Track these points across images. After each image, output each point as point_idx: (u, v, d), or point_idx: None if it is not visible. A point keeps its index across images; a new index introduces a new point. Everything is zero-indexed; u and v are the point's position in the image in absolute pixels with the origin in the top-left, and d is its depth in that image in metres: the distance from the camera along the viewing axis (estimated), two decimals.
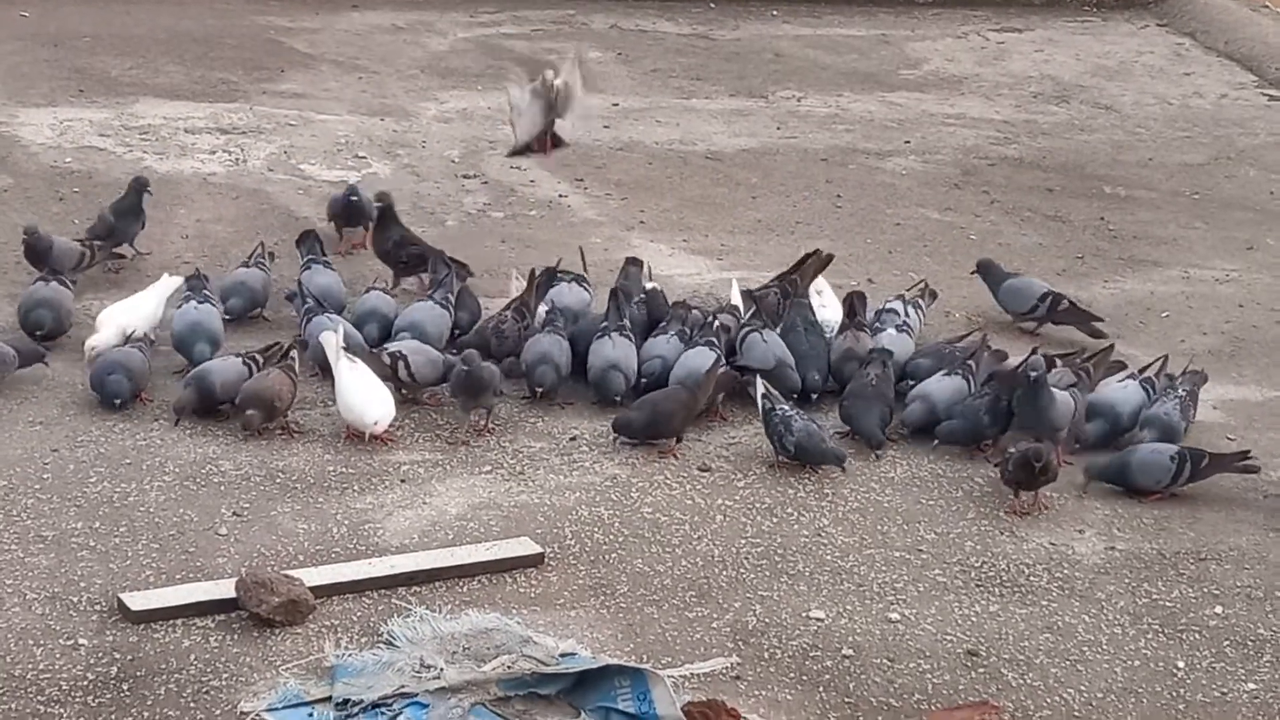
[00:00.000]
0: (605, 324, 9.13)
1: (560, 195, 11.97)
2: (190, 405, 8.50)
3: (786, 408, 8.51)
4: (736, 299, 9.76)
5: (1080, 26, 17.30)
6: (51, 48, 14.14)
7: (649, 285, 9.83)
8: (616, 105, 13.93)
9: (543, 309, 9.33)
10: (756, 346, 9.11)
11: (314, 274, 9.67)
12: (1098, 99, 15.09)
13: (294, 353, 8.80)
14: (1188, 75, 15.94)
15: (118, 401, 8.46)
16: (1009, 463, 8.20)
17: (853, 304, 9.65)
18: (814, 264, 9.98)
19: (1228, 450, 8.72)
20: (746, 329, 9.25)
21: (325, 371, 8.76)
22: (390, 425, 8.47)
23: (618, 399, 8.84)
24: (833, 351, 9.29)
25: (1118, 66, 16.07)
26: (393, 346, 8.90)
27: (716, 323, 9.28)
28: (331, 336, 8.65)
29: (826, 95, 14.65)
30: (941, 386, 8.91)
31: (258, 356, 8.76)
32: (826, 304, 9.82)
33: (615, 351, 8.95)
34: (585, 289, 9.75)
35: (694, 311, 9.49)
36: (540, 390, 8.88)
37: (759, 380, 8.67)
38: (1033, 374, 8.63)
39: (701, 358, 8.96)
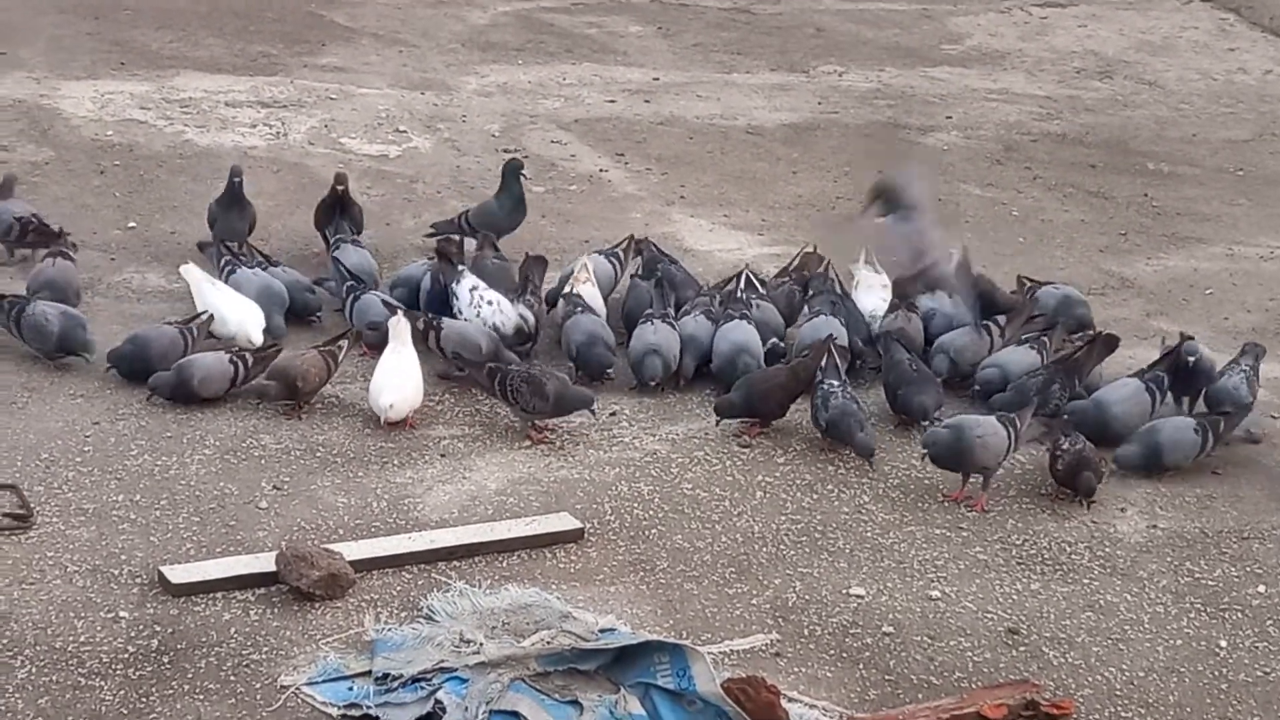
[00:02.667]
0: (650, 310, 9.11)
1: (601, 170, 11.95)
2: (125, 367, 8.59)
3: (834, 383, 8.47)
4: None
5: (1124, 2, 17.21)
6: (93, 21, 14.16)
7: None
8: (657, 80, 13.90)
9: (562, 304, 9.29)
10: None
11: (345, 252, 9.55)
12: (1141, 75, 15.01)
13: (343, 341, 8.74)
14: (1232, 51, 15.84)
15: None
16: (1062, 459, 8.12)
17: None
18: (807, 260, 9.89)
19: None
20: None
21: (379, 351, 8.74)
22: (410, 413, 8.41)
23: (653, 383, 8.81)
24: (881, 328, 9.26)
25: (1162, 42, 15.98)
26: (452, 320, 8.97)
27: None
28: (404, 324, 8.63)
29: (868, 70, 14.60)
30: (1015, 359, 8.92)
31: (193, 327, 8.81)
32: (866, 287, 9.74)
33: (655, 337, 8.91)
34: (614, 264, 9.71)
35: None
36: (654, 382, 8.86)
37: (827, 348, 8.65)
38: (1190, 358, 8.83)
39: (815, 331, 9.00)
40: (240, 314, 8.92)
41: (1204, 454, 8.45)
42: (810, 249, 9.99)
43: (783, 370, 8.73)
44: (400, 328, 8.59)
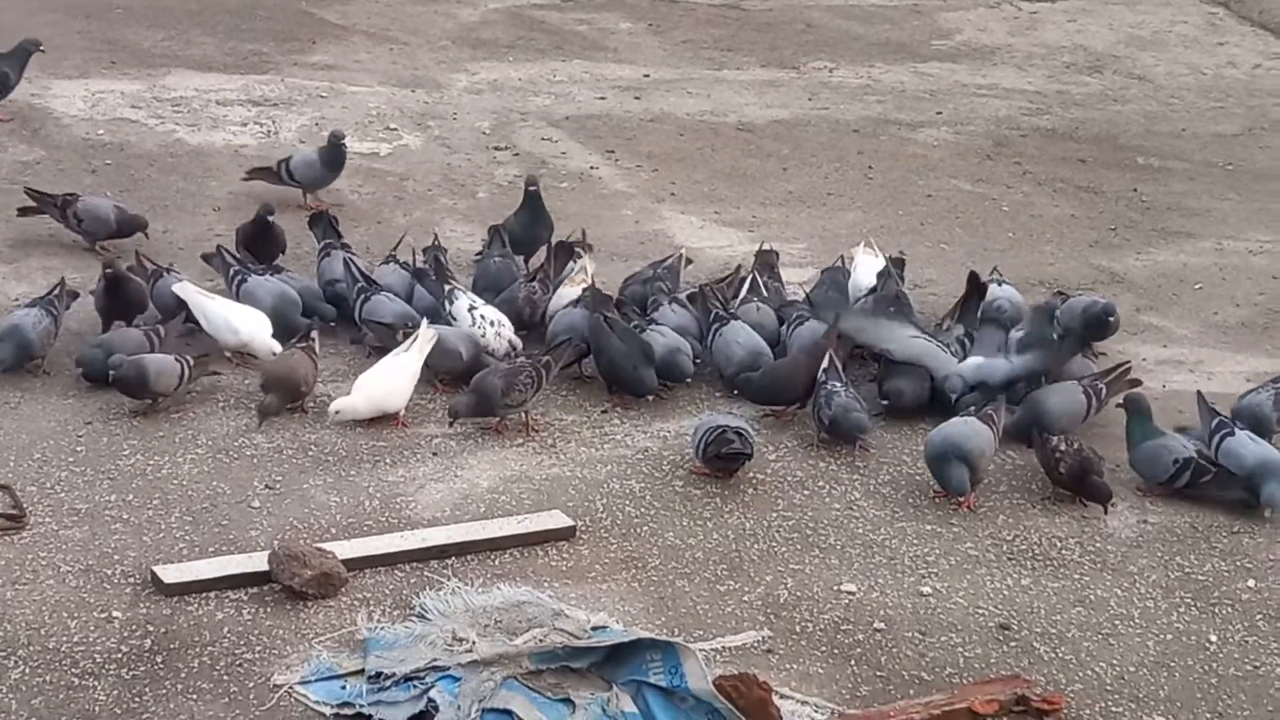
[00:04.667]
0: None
1: (591, 167, 11.96)
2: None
3: (836, 383, 8.45)
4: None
5: None
6: (84, 19, 14.17)
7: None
8: (647, 76, 13.92)
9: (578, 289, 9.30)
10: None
11: (334, 259, 9.48)
12: (1130, 69, 15.04)
13: (314, 334, 8.76)
14: (1221, 45, 15.87)
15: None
16: (1063, 462, 8.10)
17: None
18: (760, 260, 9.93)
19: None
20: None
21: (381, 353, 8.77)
22: (373, 414, 8.41)
23: (686, 380, 8.87)
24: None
25: (1151, 36, 16.01)
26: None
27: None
28: (431, 334, 8.65)
29: (858, 66, 14.62)
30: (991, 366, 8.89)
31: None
32: (864, 270, 9.80)
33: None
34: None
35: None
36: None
37: (827, 355, 8.62)
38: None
39: (813, 333, 9.03)
40: (249, 323, 8.86)
41: (1175, 484, 8.29)
42: (767, 247, 10.03)
43: (801, 355, 8.75)
44: (425, 338, 8.60)
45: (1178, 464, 8.23)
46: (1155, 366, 9.54)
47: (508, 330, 8.97)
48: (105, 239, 9.99)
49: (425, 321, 8.76)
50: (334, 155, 10.69)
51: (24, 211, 10.07)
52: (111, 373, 8.32)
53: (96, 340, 8.73)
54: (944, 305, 9.74)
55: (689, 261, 10.00)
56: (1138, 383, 8.87)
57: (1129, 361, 9.11)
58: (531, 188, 10.04)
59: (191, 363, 8.50)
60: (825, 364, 8.55)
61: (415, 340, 8.59)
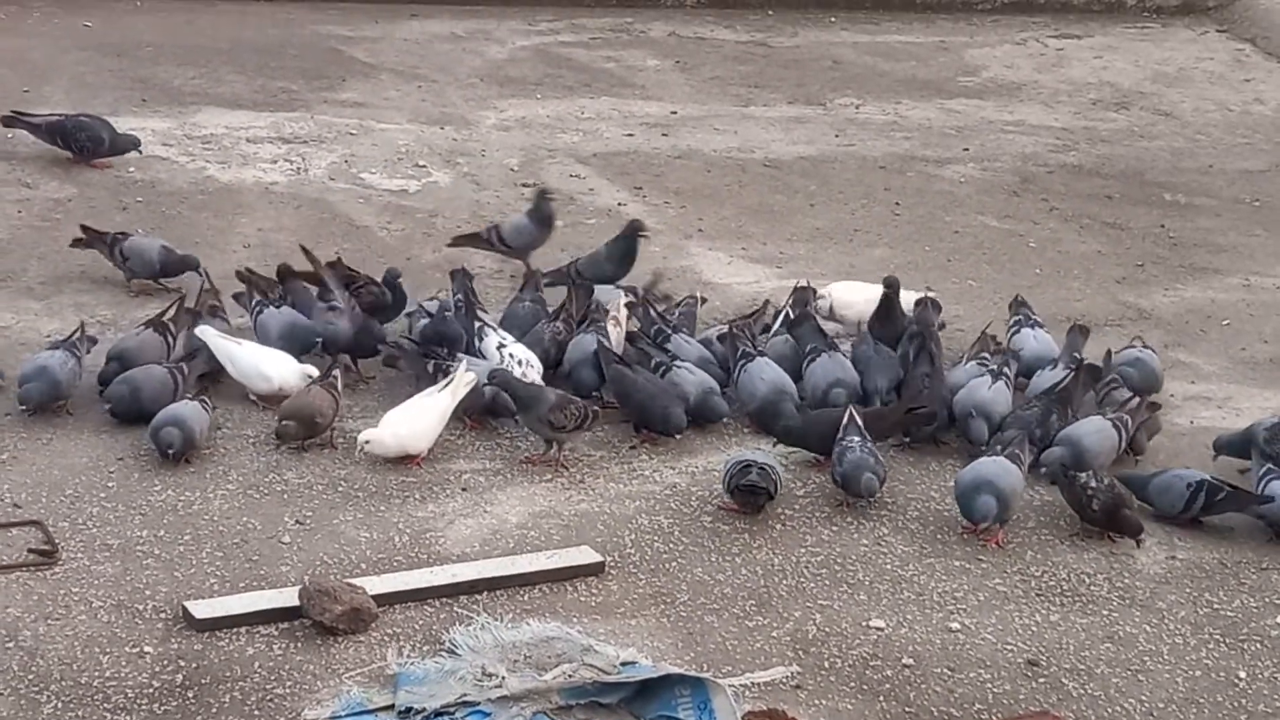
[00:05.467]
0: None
1: (619, 203, 12.00)
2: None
3: (855, 439, 8.35)
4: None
5: (1140, 33, 17.26)
6: (115, 57, 14.25)
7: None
8: (675, 113, 13.96)
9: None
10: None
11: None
12: (1157, 106, 15.05)
13: (336, 371, 8.80)
14: (1248, 81, 15.88)
15: (170, 452, 8.29)
16: (1096, 499, 8.08)
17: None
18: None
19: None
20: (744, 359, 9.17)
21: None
22: (400, 452, 8.42)
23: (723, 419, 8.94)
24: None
25: (1177, 73, 16.02)
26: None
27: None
28: (469, 378, 8.65)
29: (885, 103, 14.65)
30: (994, 395, 8.87)
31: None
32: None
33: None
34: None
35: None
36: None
37: (849, 409, 8.56)
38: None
39: (825, 371, 9.07)
40: (281, 368, 8.85)
41: (1190, 512, 8.31)
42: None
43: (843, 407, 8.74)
44: (461, 380, 8.62)
45: (1191, 488, 8.25)
46: (1183, 403, 9.54)
47: (535, 370, 8.98)
48: (149, 278, 10.02)
49: (464, 363, 8.79)
50: (542, 213, 10.54)
51: (77, 243, 10.16)
52: (169, 450, 8.23)
53: (123, 376, 8.70)
54: (969, 341, 9.74)
55: (703, 301, 10.03)
56: (1157, 406, 8.91)
57: (1148, 395, 9.12)
58: (643, 234, 10.07)
59: (211, 406, 8.56)
60: (845, 419, 8.49)
61: (451, 381, 8.61)
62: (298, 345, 9.10)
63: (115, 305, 9.85)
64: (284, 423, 8.40)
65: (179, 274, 10.01)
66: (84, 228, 10.19)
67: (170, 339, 9.05)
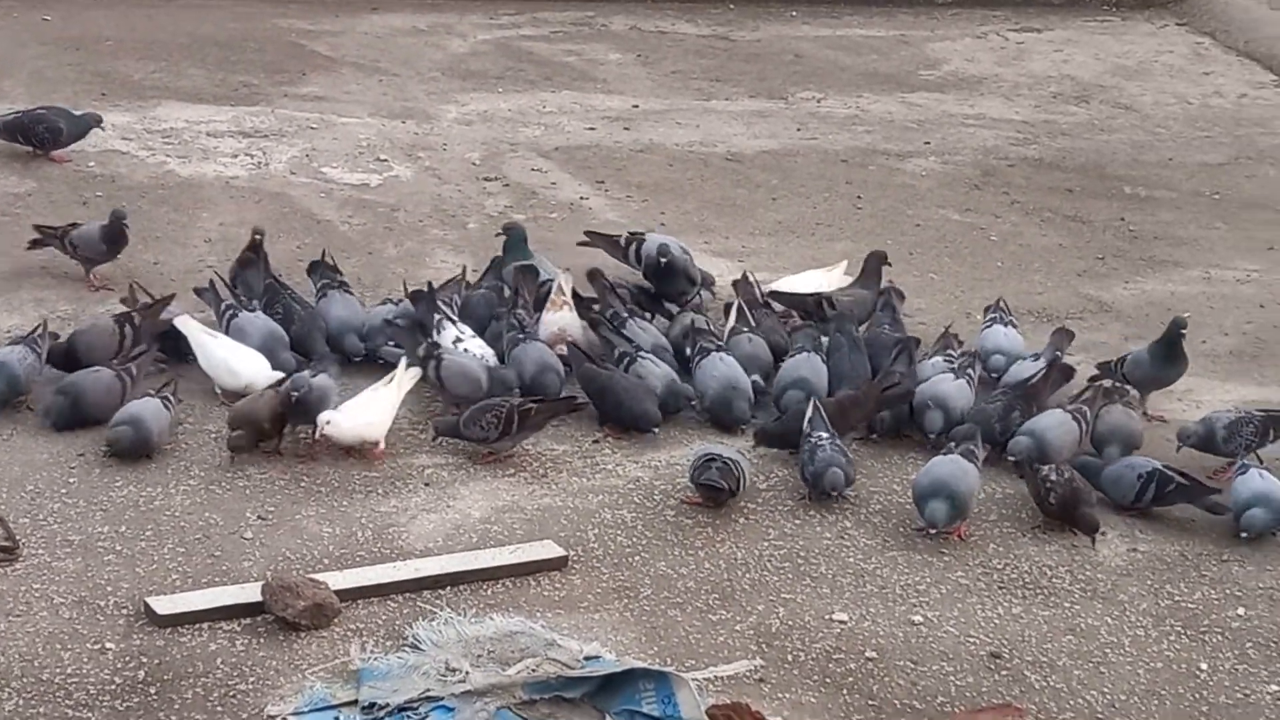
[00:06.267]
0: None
1: (581, 197, 12.00)
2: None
3: (824, 435, 8.37)
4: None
5: (1100, 26, 17.31)
6: (74, 51, 14.19)
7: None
8: (637, 107, 13.95)
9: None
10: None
11: (332, 300, 9.49)
12: (1117, 99, 15.10)
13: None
14: (1207, 75, 15.93)
15: (118, 450, 8.25)
16: (1054, 492, 8.12)
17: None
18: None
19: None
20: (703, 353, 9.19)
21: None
22: (358, 442, 8.40)
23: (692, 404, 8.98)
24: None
25: (1137, 66, 16.07)
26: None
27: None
28: (412, 372, 8.69)
29: (846, 96, 14.67)
30: (955, 390, 8.89)
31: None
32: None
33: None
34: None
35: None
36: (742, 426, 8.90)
37: (811, 402, 8.59)
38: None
39: (795, 369, 9.07)
40: (250, 366, 8.80)
41: (1141, 502, 8.36)
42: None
43: (831, 403, 8.72)
44: (404, 375, 8.63)
45: (1142, 479, 8.29)
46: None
47: (489, 362, 9.00)
48: (99, 258, 9.96)
49: (404, 361, 8.76)
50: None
51: (34, 245, 10.09)
52: (109, 445, 8.22)
53: (62, 384, 8.59)
54: (933, 334, 9.76)
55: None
56: (1112, 392, 8.95)
57: (1101, 377, 9.15)
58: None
59: (175, 402, 8.49)
60: (810, 413, 8.50)
61: (395, 376, 8.60)
62: (272, 355, 8.99)
63: (76, 300, 9.81)
64: (233, 434, 8.28)
65: (121, 242, 9.92)
66: (37, 227, 10.14)
67: (129, 331, 8.98)
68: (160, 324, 9.12)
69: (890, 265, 10.19)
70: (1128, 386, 9.17)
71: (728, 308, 9.72)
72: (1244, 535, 8.15)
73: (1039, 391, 8.91)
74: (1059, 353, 9.35)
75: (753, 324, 9.48)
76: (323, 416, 8.32)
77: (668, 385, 8.89)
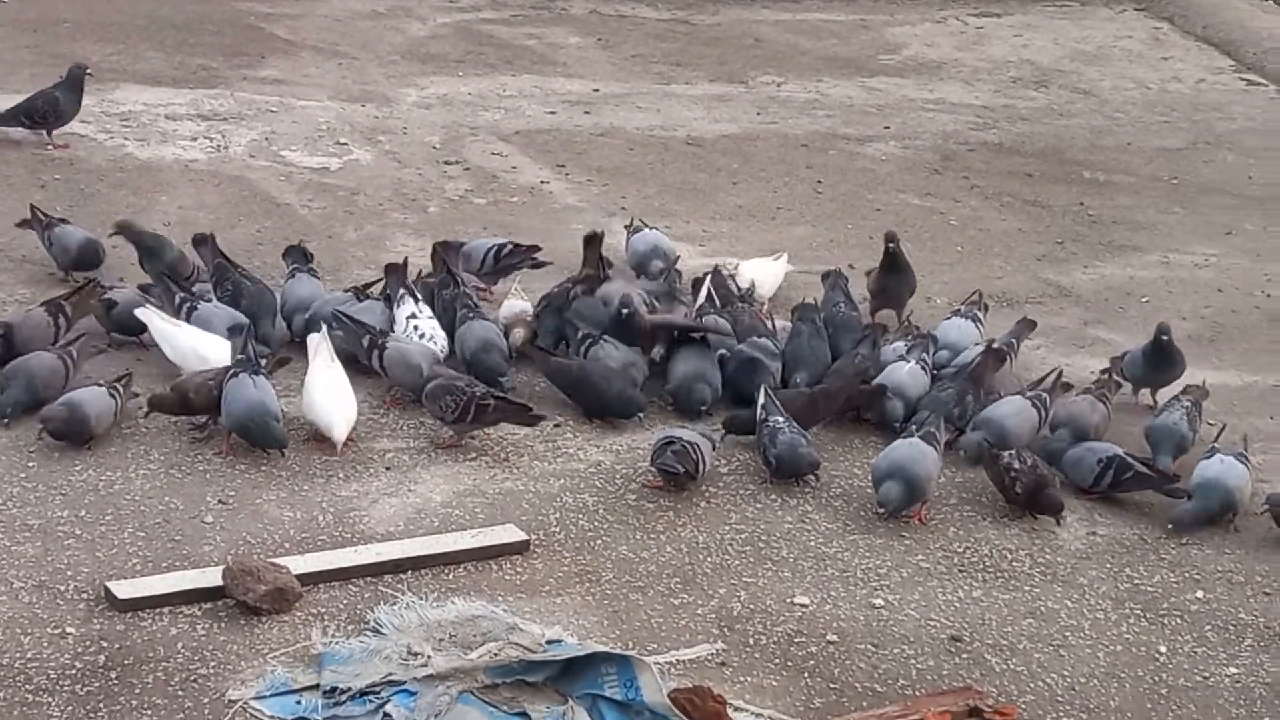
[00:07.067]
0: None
1: (542, 181, 11.99)
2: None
3: (779, 419, 8.39)
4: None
5: (1059, 11, 17.36)
6: (31, 34, 14.12)
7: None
8: (597, 91, 13.94)
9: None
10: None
11: (299, 282, 9.48)
12: (1076, 84, 15.14)
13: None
14: (1166, 60, 15.99)
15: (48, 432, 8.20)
16: (1019, 480, 8.12)
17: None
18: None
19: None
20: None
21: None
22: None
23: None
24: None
25: (1096, 51, 16.12)
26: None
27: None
28: (325, 342, 8.60)
29: (806, 80, 14.68)
30: (909, 378, 8.91)
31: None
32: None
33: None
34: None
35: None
36: (702, 409, 8.85)
37: (762, 389, 8.60)
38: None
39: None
40: (219, 350, 8.69)
41: (1099, 486, 8.39)
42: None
43: (802, 396, 8.74)
44: (319, 345, 8.57)
45: (1101, 464, 8.32)
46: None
47: (439, 346, 8.98)
48: (67, 267, 9.87)
49: (317, 335, 8.68)
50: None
51: (23, 224, 10.04)
52: (42, 425, 8.16)
53: (6, 371, 8.51)
54: (891, 318, 9.79)
55: (609, 265, 9.95)
56: (1070, 386, 8.98)
57: (1060, 369, 9.17)
58: (893, 245, 9.85)
59: (121, 391, 8.39)
60: (762, 399, 8.50)
61: (320, 352, 8.55)
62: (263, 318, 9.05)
63: (34, 284, 9.76)
64: (156, 393, 8.28)
65: (90, 265, 9.85)
66: (33, 207, 10.05)
67: (63, 321, 8.93)
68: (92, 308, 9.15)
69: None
70: (1123, 381, 9.20)
71: (695, 283, 9.73)
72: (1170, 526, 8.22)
73: (981, 376, 8.92)
74: (1015, 340, 9.37)
75: (718, 305, 9.48)
76: (338, 433, 8.23)
77: (626, 369, 8.88)
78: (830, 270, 10.02)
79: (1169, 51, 16.24)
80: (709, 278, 9.71)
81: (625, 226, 10.58)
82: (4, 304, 9.49)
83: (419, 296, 9.22)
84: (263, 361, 8.52)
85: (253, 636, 6.92)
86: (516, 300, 9.44)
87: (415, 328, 9.00)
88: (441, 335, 9.05)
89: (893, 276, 9.87)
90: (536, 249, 10.04)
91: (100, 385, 8.36)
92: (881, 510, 8.03)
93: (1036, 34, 16.51)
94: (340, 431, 8.25)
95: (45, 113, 11.62)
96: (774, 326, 9.58)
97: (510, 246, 9.98)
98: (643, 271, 10.09)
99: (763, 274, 10.03)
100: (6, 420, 8.32)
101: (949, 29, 16.52)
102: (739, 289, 9.77)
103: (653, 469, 8.15)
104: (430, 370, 8.63)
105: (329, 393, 8.38)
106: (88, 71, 11.82)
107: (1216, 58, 16.11)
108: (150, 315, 8.93)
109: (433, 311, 9.19)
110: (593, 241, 9.78)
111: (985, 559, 7.85)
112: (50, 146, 11.66)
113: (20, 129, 11.71)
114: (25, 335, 8.78)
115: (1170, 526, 8.19)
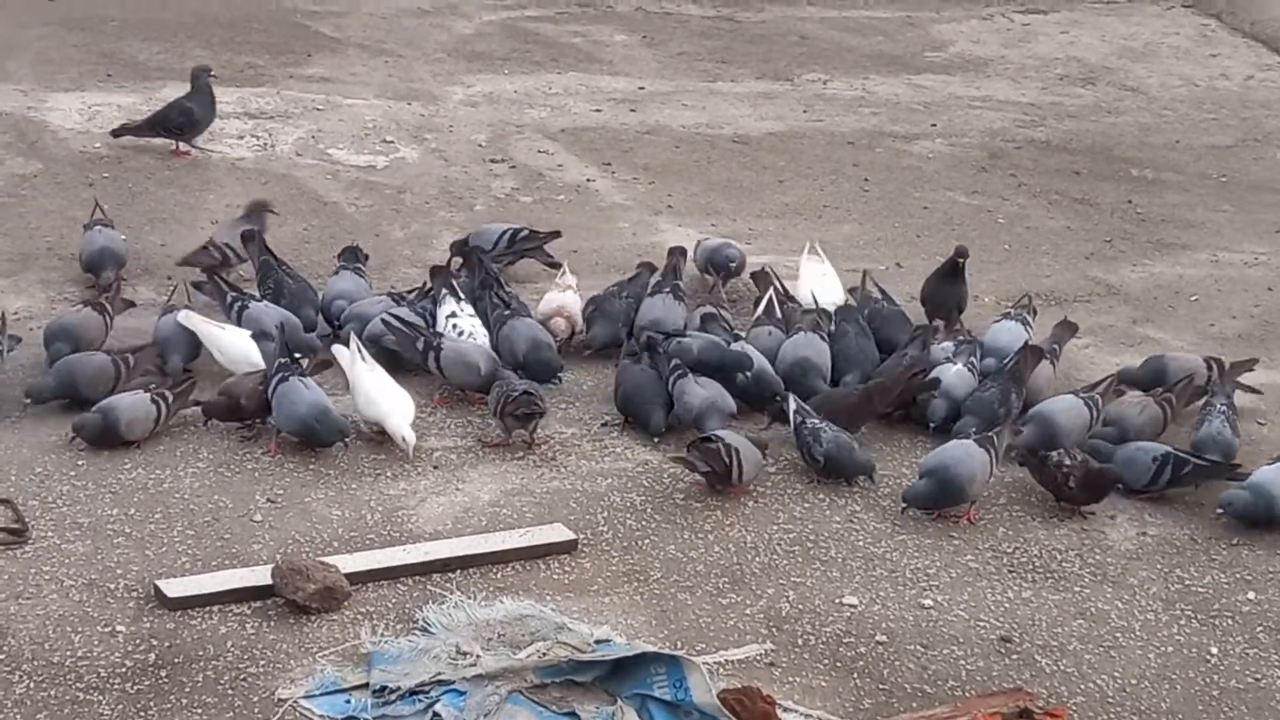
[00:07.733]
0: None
1: (588, 179, 11.98)
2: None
3: (817, 420, 8.37)
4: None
5: (1106, 8, 17.29)
6: (79, 32, 14.18)
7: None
8: (642, 89, 13.94)
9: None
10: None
11: (342, 277, 9.53)
12: (1124, 81, 15.08)
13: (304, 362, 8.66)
14: (1214, 56, 15.91)
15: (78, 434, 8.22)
16: (1072, 475, 8.10)
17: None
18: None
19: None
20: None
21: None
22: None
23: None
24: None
25: (1144, 48, 16.05)
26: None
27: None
28: (346, 350, 8.61)
29: (853, 78, 14.65)
30: (956, 378, 8.87)
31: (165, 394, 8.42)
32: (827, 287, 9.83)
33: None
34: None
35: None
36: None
37: (790, 395, 8.57)
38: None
39: (795, 349, 9.04)
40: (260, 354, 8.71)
41: (1157, 485, 8.34)
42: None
43: (856, 392, 8.72)
44: (353, 351, 8.54)
45: (1156, 461, 8.28)
46: None
47: (480, 342, 8.98)
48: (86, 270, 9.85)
49: (344, 349, 8.68)
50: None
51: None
52: (73, 429, 8.15)
53: (56, 367, 8.56)
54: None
55: (654, 270, 9.89)
56: (1123, 391, 8.94)
57: (1115, 374, 9.12)
58: (962, 260, 9.77)
59: (170, 398, 8.33)
60: (794, 406, 8.45)
61: (356, 354, 8.54)
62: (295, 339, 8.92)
63: (82, 282, 9.79)
64: (217, 397, 8.29)
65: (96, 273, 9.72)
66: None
67: (108, 320, 8.97)
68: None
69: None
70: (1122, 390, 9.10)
71: (758, 301, 9.67)
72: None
73: (1021, 373, 8.87)
74: (1057, 345, 9.30)
75: (777, 316, 9.43)
76: (409, 435, 8.21)
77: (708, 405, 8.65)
78: (854, 287, 9.88)
79: (1217, 48, 16.16)
80: (770, 290, 9.64)
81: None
82: (54, 301, 9.52)
83: (460, 295, 9.22)
84: (305, 363, 8.53)
85: (302, 635, 6.93)
86: (556, 293, 9.43)
87: (454, 325, 9.01)
88: (482, 332, 9.04)
89: (947, 286, 9.79)
90: (556, 235, 10.06)
91: (145, 391, 8.36)
92: (904, 505, 8.01)
93: (1083, 31, 16.44)
94: (409, 432, 8.23)
95: (181, 124, 11.67)
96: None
97: (527, 231, 10.00)
98: (713, 265, 10.03)
99: (820, 283, 9.84)
100: (29, 402, 8.39)
101: (995, 26, 16.47)
102: (782, 289, 9.72)
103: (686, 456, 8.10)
104: (488, 368, 8.64)
105: (384, 393, 8.39)
106: (211, 74, 11.81)
107: (1265, 54, 16.02)
108: (192, 318, 8.91)
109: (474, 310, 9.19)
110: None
111: (1035, 559, 7.82)
112: (191, 153, 11.73)
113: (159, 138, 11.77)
114: (88, 335, 8.78)
115: (1219, 512, 8.14)
